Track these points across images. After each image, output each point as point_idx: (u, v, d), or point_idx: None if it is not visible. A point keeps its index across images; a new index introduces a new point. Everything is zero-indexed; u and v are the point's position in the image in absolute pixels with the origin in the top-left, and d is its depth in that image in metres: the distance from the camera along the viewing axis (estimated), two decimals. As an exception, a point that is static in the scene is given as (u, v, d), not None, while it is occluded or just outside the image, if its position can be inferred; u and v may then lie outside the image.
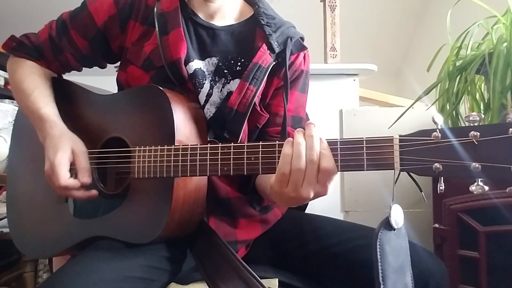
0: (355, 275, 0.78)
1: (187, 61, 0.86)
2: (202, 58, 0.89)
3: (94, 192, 0.81)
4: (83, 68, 1.01)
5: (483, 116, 0.53)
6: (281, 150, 0.64)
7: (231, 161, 0.68)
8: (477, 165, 0.51)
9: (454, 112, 1.18)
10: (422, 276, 0.72)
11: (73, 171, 0.81)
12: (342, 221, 0.93)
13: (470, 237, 1.13)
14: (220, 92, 0.88)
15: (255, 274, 0.73)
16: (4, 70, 2.45)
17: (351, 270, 0.79)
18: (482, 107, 1.19)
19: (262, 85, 0.86)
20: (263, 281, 0.76)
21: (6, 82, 2.48)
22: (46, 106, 0.87)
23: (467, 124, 0.54)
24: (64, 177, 0.79)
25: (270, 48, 0.88)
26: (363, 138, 0.59)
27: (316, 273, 0.84)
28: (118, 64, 0.97)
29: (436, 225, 1.25)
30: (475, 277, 1.11)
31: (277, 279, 0.81)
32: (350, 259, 0.79)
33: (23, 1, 3.19)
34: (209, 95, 0.87)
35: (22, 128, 1.01)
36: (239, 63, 0.89)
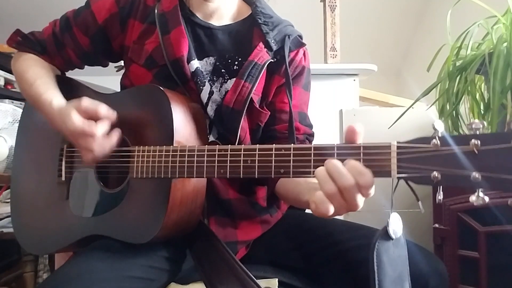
0: (355, 275, 0.77)
1: (188, 60, 0.86)
2: (200, 58, 0.89)
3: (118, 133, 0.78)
4: (84, 68, 1.01)
5: (485, 123, 0.52)
6: (277, 153, 0.62)
7: (228, 164, 0.67)
8: (477, 175, 0.49)
9: (454, 112, 1.18)
10: (422, 277, 0.72)
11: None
12: (342, 221, 0.93)
13: (470, 237, 1.13)
14: (219, 91, 0.88)
15: (252, 276, 0.73)
16: (4, 70, 2.45)
17: (351, 269, 0.78)
18: (482, 107, 1.19)
19: (257, 82, 0.85)
20: (263, 281, 0.77)
21: (6, 82, 2.48)
22: (47, 92, 0.86)
23: (467, 126, 0.53)
24: (96, 130, 0.74)
25: (267, 46, 0.88)
26: (360, 144, 0.58)
27: (316, 273, 0.84)
28: (117, 64, 0.97)
29: (436, 225, 1.25)
30: (475, 277, 1.11)
31: (277, 279, 0.81)
32: (350, 258, 0.79)
33: (24, 2, 3.20)
34: (211, 93, 0.87)
35: (27, 127, 1.02)
36: (236, 62, 0.89)
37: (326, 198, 0.57)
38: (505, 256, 1.07)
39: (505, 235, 1.07)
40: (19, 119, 1.04)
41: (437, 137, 0.53)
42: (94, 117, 0.77)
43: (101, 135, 0.75)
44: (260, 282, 0.75)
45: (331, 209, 0.57)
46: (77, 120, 0.75)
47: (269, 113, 0.91)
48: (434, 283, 0.73)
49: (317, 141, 0.94)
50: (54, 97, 0.84)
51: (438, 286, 0.74)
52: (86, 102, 0.77)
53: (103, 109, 0.77)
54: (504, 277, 1.08)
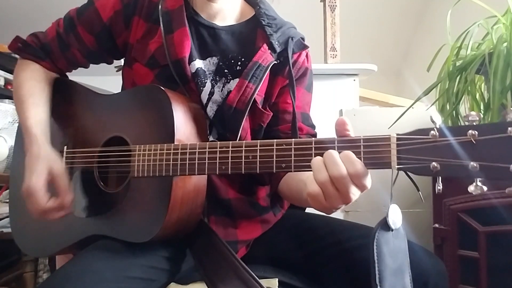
0: (355, 275, 0.78)
1: (190, 60, 0.86)
2: (203, 57, 0.89)
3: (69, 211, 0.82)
4: (89, 66, 1.01)
5: (482, 115, 0.53)
6: (278, 148, 0.63)
7: (229, 160, 0.67)
8: (475, 165, 0.50)
9: (454, 112, 1.18)
10: (422, 276, 0.72)
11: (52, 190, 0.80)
12: (342, 221, 0.93)
13: (470, 237, 1.13)
14: (221, 91, 0.88)
15: (253, 274, 0.73)
16: (4, 70, 2.45)
17: (351, 269, 0.79)
18: (482, 107, 1.19)
19: (261, 83, 0.86)
20: (263, 281, 0.76)
21: (6, 82, 2.48)
22: (35, 117, 0.86)
23: (463, 118, 0.53)
24: (43, 202, 0.78)
25: (271, 47, 0.89)
26: (360, 137, 0.59)
27: (316, 273, 0.84)
28: (117, 64, 0.97)
29: (436, 225, 1.25)
30: (475, 277, 1.11)
31: (277, 279, 0.81)
32: (350, 258, 0.79)
33: (24, 2, 3.19)
34: (211, 93, 0.87)
35: None
36: (239, 63, 0.89)
37: (318, 185, 0.58)
38: (505, 256, 1.07)
39: (505, 235, 1.07)
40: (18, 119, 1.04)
41: (435, 129, 0.54)
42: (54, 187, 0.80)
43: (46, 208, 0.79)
44: (260, 282, 0.75)
45: (320, 193, 0.59)
46: (42, 198, 0.78)
47: (272, 114, 0.91)
48: (434, 283, 0.73)
49: (317, 141, 0.94)
50: (38, 131, 0.84)
51: (438, 286, 0.74)
52: (62, 184, 0.80)
53: (68, 199, 0.80)
54: (504, 277, 1.08)
